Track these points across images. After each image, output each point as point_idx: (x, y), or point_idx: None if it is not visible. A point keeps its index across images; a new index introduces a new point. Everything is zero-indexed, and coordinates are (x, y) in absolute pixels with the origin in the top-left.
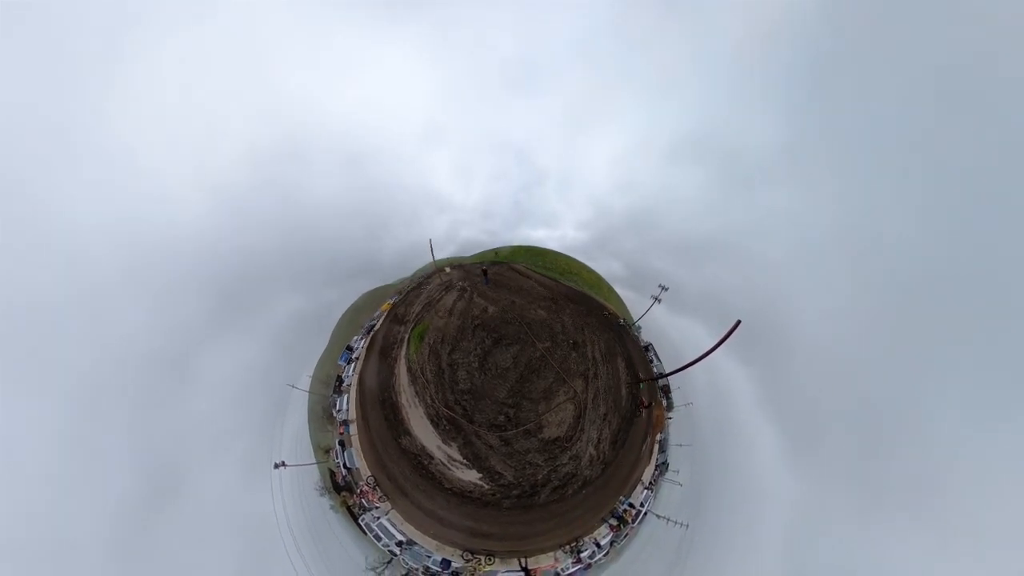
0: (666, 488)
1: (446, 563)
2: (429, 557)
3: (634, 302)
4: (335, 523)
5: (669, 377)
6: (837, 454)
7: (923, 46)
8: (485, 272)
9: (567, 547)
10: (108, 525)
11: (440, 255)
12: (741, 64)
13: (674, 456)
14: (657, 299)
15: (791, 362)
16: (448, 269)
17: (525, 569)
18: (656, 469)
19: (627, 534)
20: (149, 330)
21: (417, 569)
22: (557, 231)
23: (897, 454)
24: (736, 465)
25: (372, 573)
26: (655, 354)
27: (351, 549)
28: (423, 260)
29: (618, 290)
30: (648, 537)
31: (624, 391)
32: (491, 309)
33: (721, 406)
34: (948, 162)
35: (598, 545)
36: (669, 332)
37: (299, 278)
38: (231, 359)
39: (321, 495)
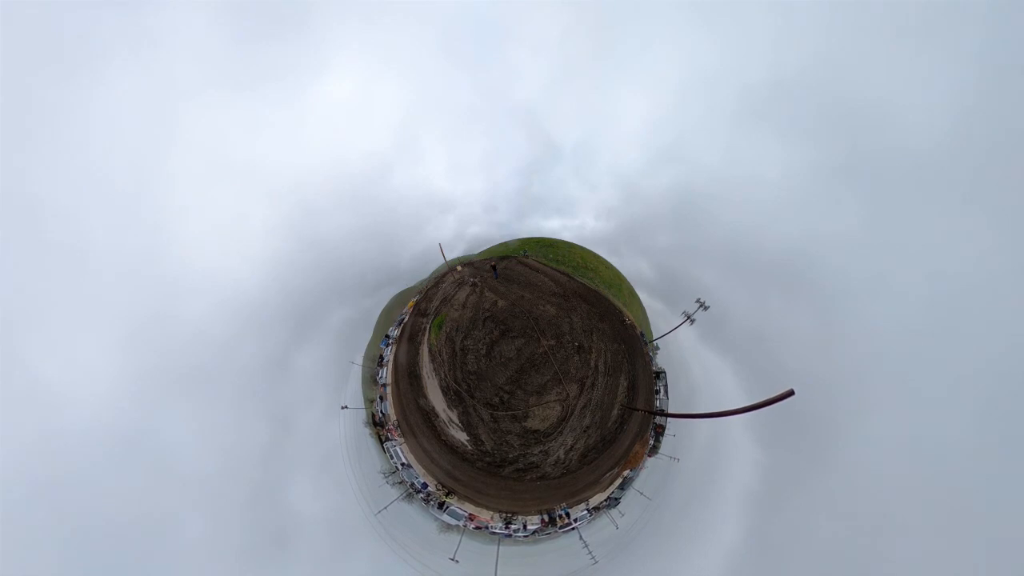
0: (602, 521)
1: (424, 485)
2: (416, 478)
3: (659, 315)
4: (371, 444)
5: (668, 419)
6: None
7: None
8: (494, 267)
9: (504, 514)
10: (263, 444)
11: (452, 254)
12: None
13: (629, 499)
14: (690, 318)
15: (825, 477)
16: (459, 267)
17: (468, 513)
18: (606, 501)
19: (549, 534)
20: (263, 349)
21: (407, 481)
22: (575, 220)
23: None
24: (674, 553)
25: (382, 475)
26: (664, 385)
27: (376, 460)
28: (438, 261)
29: (642, 296)
30: (562, 547)
31: (615, 412)
32: (500, 303)
33: (707, 478)
34: None
35: (525, 527)
36: (691, 364)
37: (343, 296)
38: (312, 354)
39: (366, 427)
